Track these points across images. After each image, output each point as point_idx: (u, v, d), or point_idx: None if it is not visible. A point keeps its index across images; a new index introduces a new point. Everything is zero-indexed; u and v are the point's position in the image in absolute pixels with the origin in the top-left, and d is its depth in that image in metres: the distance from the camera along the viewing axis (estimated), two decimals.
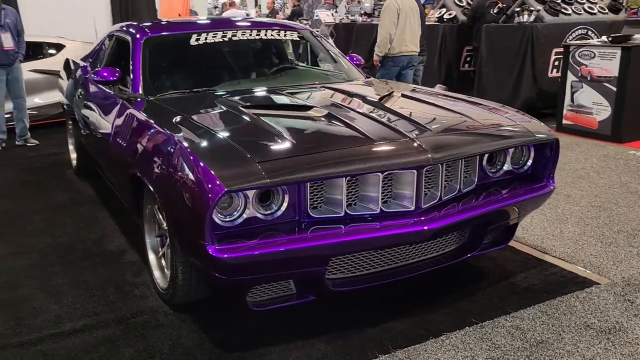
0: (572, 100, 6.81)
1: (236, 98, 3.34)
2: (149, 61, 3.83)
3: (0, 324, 2.89)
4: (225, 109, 3.12)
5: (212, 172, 2.31)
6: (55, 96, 6.91)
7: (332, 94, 3.48)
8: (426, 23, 9.33)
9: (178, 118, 2.99)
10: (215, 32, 4.02)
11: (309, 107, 3.08)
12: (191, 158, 2.46)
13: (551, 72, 7.64)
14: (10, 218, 4.44)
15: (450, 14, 8.89)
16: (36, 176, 5.63)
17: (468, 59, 9.00)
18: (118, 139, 3.39)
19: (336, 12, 11.95)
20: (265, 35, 4.19)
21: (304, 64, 4.78)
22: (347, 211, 2.56)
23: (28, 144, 6.90)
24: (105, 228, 4.16)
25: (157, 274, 3.12)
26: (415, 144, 2.61)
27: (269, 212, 2.48)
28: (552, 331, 2.73)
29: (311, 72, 4.35)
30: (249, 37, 4.12)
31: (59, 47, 8.02)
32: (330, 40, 11.59)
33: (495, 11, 8.07)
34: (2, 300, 3.14)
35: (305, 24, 11.74)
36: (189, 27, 4.18)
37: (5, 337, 2.77)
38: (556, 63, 7.56)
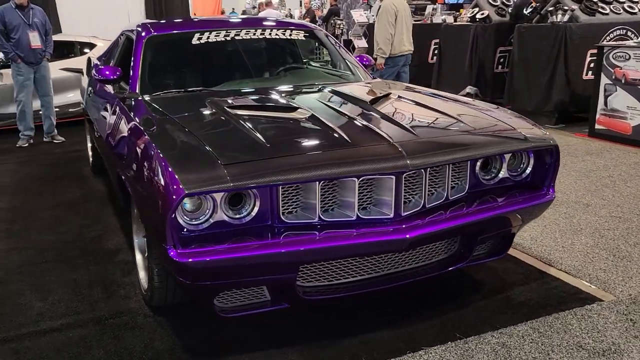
0: (605, 104, 6.49)
1: (227, 98, 3.28)
2: (149, 60, 3.82)
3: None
4: (210, 109, 3.06)
5: (175, 175, 2.25)
6: None
7: (326, 95, 3.38)
8: (457, 23, 9.15)
9: (160, 118, 2.96)
10: (218, 31, 3.98)
11: (294, 109, 2.99)
12: (158, 160, 2.40)
13: (586, 75, 7.31)
14: (21, 213, 4.53)
15: (482, 14, 8.63)
16: (56, 172, 5.74)
17: (502, 60, 8.71)
18: (109, 138, 3.39)
19: (369, 12, 11.79)
20: (270, 34, 4.13)
21: (317, 64, 4.68)
22: (322, 217, 2.46)
23: (55, 141, 7.06)
24: (107, 226, 4.18)
25: (142, 274, 3.09)
26: (394, 149, 2.49)
27: (239, 216, 2.41)
28: (540, 350, 2.56)
29: (315, 73, 4.25)
30: (253, 37, 4.06)
31: (91, 46, 8.18)
32: (363, 40, 11.47)
33: (528, 11, 7.78)
34: None
35: (339, 24, 11.67)
36: (194, 26, 4.15)
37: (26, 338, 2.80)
38: (591, 65, 7.23)
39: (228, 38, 3.97)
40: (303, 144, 2.61)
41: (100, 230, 4.10)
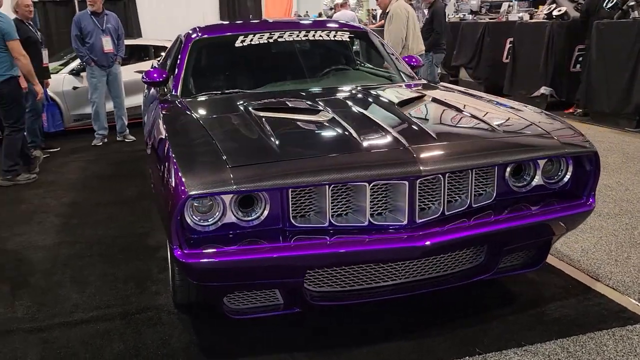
0: None
1: (258, 100, 3.30)
2: (193, 63, 3.91)
3: (25, 308, 3.09)
4: (238, 111, 3.08)
5: (181, 177, 2.28)
6: None
7: (357, 97, 3.32)
8: (532, 20, 8.74)
9: (187, 120, 3.02)
10: (263, 33, 4.01)
11: (317, 111, 2.95)
12: (170, 161, 2.45)
13: None
14: (80, 209, 4.77)
15: (560, 10, 8.18)
16: (120, 170, 6.01)
17: (580, 59, 8.23)
18: (147, 139, 3.50)
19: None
20: (314, 36, 4.11)
21: (363, 66, 4.60)
22: (333, 222, 2.41)
23: (126, 140, 7.40)
24: (155, 223, 4.31)
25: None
26: (407, 154, 2.40)
27: (248, 218, 2.41)
28: None
29: (358, 74, 4.17)
30: (296, 39, 4.06)
31: (164, 49, 8.50)
32: None
33: (608, 6, 7.30)
34: (37, 285, 3.36)
35: None
36: (241, 28, 4.20)
37: (21, 321, 2.96)
38: None
39: (271, 40, 3.99)
40: (315, 147, 2.58)
41: (148, 227, 4.25)
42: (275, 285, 2.45)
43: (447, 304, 2.94)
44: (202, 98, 3.57)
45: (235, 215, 2.39)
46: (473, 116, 2.88)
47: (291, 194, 2.38)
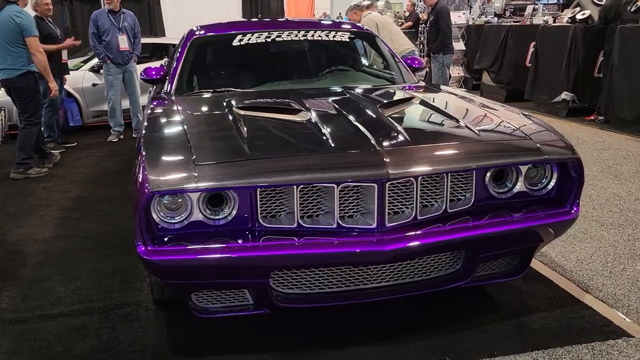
0: None
1: (246, 99, 3.29)
2: (190, 61, 3.93)
3: (9, 299, 3.14)
4: (222, 110, 3.08)
5: (147, 174, 2.29)
6: None
7: (343, 98, 3.28)
8: (555, 24, 8.55)
9: (169, 117, 3.03)
10: (261, 33, 4.01)
11: (297, 111, 2.92)
12: (141, 158, 2.46)
13: None
14: (84, 203, 4.84)
15: (584, 14, 7.98)
16: (132, 166, 6.06)
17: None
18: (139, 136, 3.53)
19: (470, 12, 11.35)
20: (312, 36, 4.09)
21: (369, 66, 4.55)
22: (301, 223, 2.39)
23: None
24: None
25: None
26: (377, 157, 2.36)
27: (216, 217, 2.40)
28: None
29: (355, 75, 4.11)
30: (294, 39, 4.04)
31: None
32: (461, 43, 11.08)
33: (632, 10, 7.08)
34: (26, 277, 3.42)
35: None
36: (240, 27, 4.20)
37: (4, 312, 3.01)
38: None
39: (269, 40, 3.98)
40: (286, 147, 2.55)
41: None
42: (240, 285, 2.43)
43: (425, 310, 2.89)
44: (193, 96, 3.59)
45: (203, 214, 2.38)
46: (456, 120, 2.82)
47: (259, 194, 2.36)
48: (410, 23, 14.82)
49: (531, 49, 9.32)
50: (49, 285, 3.30)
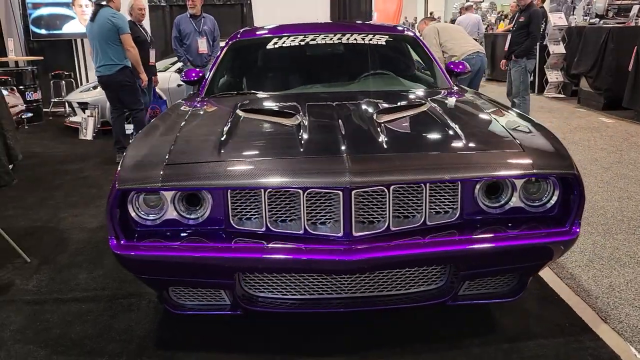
0: None
1: (259, 101, 3.34)
2: (226, 63, 4.04)
3: (37, 281, 3.40)
4: (227, 111, 3.14)
5: (119, 171, 2.39)
6: None
7: (349, 103, 3.21)
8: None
9: (175, 116, 3.13)
10: (297, 36, 4.03)
11: (291, 115, 2.90)
12: (125, 155, 2.58)
13: None
14: None
15: None
16: None
17: None
18: None
19: (573, 14, 10.62)
20: (348, 40, 4.05)
21: (409, 70, 4.39)
22: (270, 227, 2.38)
23: None
24: None
25: None
26: (342, 164, 2.29)
27: (190, 216, 2.46)
28: None
29: (386, 80, 3.98)
30: (328, 42, 4.02)
31: None
32: (561, 45, 10.43)
33: None
34: (60, 262, 3.68)
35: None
36: (280, 31, 4.24)
37: (28, 293, 3.27)
38: None
39: (303, 43, 3.99)
40: (260, 150, 2.55)
41: None
42: (206, 284, 2.46)
43: (406, 327, 2.76)
44: (218, 97, 3.68)
45: (178, 212, 2.45)
46: (450, 129, 2.66)
47: (230, 196, 2.38)
48: (510, 26, 14.19)
49: (634, 53, 8.57)
50: (75, 272, 3.53)
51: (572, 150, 6.30)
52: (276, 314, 2.62)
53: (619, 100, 8.51)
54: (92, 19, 6.00)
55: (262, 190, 2.32)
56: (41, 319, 2.97)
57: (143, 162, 2.49)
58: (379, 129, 2.64)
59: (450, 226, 2.43)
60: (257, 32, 4.33)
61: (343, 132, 2.59)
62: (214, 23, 7.47)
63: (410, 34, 4.30)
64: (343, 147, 2.40)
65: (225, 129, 2.74)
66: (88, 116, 8.00)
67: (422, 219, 2.39)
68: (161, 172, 2.33)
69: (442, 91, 3.67)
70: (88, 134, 7.96)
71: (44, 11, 10.32)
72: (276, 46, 3.98)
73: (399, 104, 3.18)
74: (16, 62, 9.79)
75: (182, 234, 2.44)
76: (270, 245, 2.33)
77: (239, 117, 2.93)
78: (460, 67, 4.22)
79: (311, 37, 4.02)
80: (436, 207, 2.42)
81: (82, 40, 10.43)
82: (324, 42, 4.02)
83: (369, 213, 2.35)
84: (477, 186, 2.43)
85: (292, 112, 2.93)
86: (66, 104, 8.81)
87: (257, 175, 2.31)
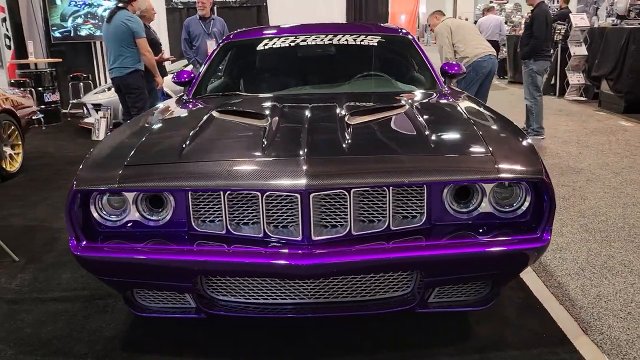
0: None
1: (238, 102, 3.31)
2: (215, 65, 4.03)
3: (21, 280, 3.42)
4: (203, 113, 3.11)
5: (78, 172, 2.39)
6: None
7: (325, 105, 3.16)
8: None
9: (152, 117, 3.12)
10: (287, 37, 4.00)
11: (263, 116, 2.86)
12: (88, 155, 2.57)
13: None
14: None
15: None
16: None
17: None
18: None
19: (596, 14, 10.35)
20: (339, 41, 3.99)
21: (401, 71, 4.29)
22: (230, 230, 2.34)
23: None
24: None
25: None
26: (299, 166, 2.24)
27: (152, 218, 2.43)
28: None
29: (375, 81, 3.91)
30: (318, 43, 3.97)
31: None
32: (583, 47, 10.18)
33: None
34: (46, 261, 3.69)
35: (560, 29, 10.54)
36: (272, 32, 4.21)
37: (9, 292, 3.29)
38: None
39: (292, 44, 3.95)
40: (220, 152, 2.53)
41: None
42: (164, 287, 2.43)
43: (384, 333, 2.69)
44: (203, 99, 3.66)
45: (140, 214, 2.43)
46: (422, 133, 2.58)
47: (191, 198, 2.35)
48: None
49: None
50: (60, 272, 3.55)
51: (583, 155, 6.16)
52: (240, 318, 2.57)
53: None
54: (109, 20, 6.05)
55: (222, 192, 2.29)
56: (16, 318, 2.98)
57: (104, 162, 2.48)
58: (347, 132, 2.58)
59: (417, 231, 2.36)
60: (249, 34, 4.31)
61: (309, 135, 2.54)
62: (224, 25, 7.48)
63: (405, 34, 4.21)
64: (303, 150, 2.35)
65: (194, 130, 2.71)
66: (100, 117, 8.10)
67: (387, 224, 2.32)
68: (119, 173, 2.31)
69: (431, 93, 3.58)
70: (100, 135, 8.05)
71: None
72: (266, 47, 3.95)
73: (376, 106, 3.10)
74: (35, 64, 9.97)
75: (145, 236, 2.42)
76: (229, 248, 2.29)
77: (212, 119, 2.90)
78: (455, 68, 4.13)
79: (302, 38, 3.98)
80: (402, 212, 2.35)
81: (100, 43, 10.58)
82: (314, 43, 3.97)
83: (331, 217, 2.30)
84: (445, 191, 2.36)
85: (263, 113, 2.89)
86: (83, 105, 8.95)
87: (216, 177, 2.28)
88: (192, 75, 4.13)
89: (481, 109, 3.09)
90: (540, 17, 6.89)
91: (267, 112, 2.94)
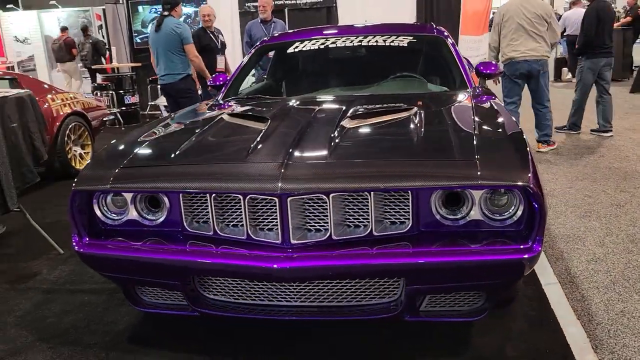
0: None
1: (252, 104, 3.37)
2: (248, 68, 4.12)
3: (60, 272, 3.67)
4: (216, 115, 3.20)
5: (82, 170, 2.54)
6: None
7: (332, 108, 3.16)
8: None
9: (168, 120, 3.25)
10: (317, 40, 4.02)
11: (265, 119, 2.89)
12: (93, 155, 2.72)
13: None
14: None
15: None
16: None
17: None
18: None
19: None
20: (368, 42, 3.95)
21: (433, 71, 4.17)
22: (218, 231, 2.41)
23: None
24: None
25: None
26: (276, 170, 2.26)
27: (149, 218, 2.54)
28: None
29: (406, 82, 3.82)
30: (348, 45, 3.96)
31: None
32: None
33: None
34: None
35: None
36: (304, 35, 4.23)
37: (47, 282, 3.53)
38: None
39: (322, 47, 3.97)
40: (212, 154, 2.60)
41: None
42: (157, 284, 2.53)
43: (377, 340, 2.65)
44: (231, 102, 3.75)
45: (140, 213, 2.55)
46: (415, 138, 2.52)
47: (183, 200, 2.43)
48: (628, 18, 13.05)
49: None
50: None
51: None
52: (232, 318, 2.62)
53: None
54: (157, 29, 6.28)
55: (209, 194, 2.35)
56: (44, 307, 3.21)
57: (103, 163, 2.61)
58: (339, 135, 2.57)
59: (403, 237, 2.31)
60: (283, 37, 4.37)
61: (299, 138, 2.55)
62: (284, 27, 7.60)
63: (438, 33, 4.10)
64: (286, 154, 2.37)
65: (196, 133, 2.80)
66: None
67: (369, 229, 2.29)
68: (114, 174, 2.43)
69: (455, 95, 3.47)
70: None
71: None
72: (295, 51, 3.99)
73: (381, 109, 3.05)
74: (118, 69, 10.60)
75: (143, 235, 2.53)
76: (213, 249, 2.35)
77: (220, 122, 2.98)
78: (492, 68, 3.98)
79: (332, 40, 3.98)
80: (389, 217, 2.31)
81: None
82: (344, 45, 3.96)
83: (315, 221, 2.31)
84: (433, 197, 2.30)
85: (265, 117, 2.93)
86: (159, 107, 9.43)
87: (202, 179, 2.35)
88: (225, 79, 4.25)
89: (494, 115, 2.96)
90: (591, 13, 6.61)
91: (273, 115, 2.98)
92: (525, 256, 2.18)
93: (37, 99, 5.68)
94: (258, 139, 2.60)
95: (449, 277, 2.28)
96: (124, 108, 9.98)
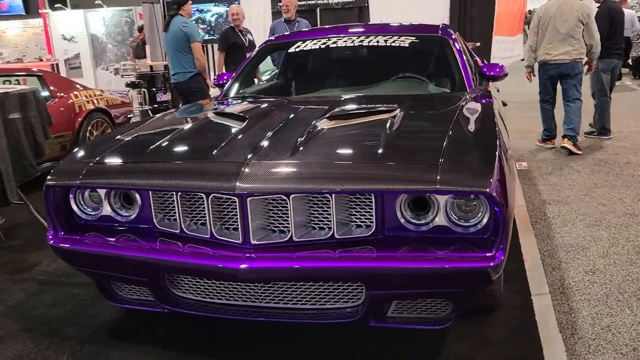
0: None
1: (245, 104, 3.37)
2: (249, 68, 4.13)
3: (60, 265, 3.75)
4: (205, 113, 3.21)
5: (57, 166, 2.59)
6: None
7: (314, 108, 3.12)
8: None
9: (160, 118, 3.29)
10: (319, 40, 3.99)
11: (243, 119, 2.88)
12: (72, 151, 2.78)
13: None
14: None
15: None
16: None
17: None
18: None
19: None
20: (369, 42, 3.90)
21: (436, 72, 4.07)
22: (184, 229, 2.42)
23: None
24: None
25: None
26: (236, 169, 2.25)
27: (122, 214, 2.58)
28: None
29: (406, 83, 3.75)
30: (349, 45, 3.91)
31: None
32: None
33: None
34: None
35: None
36: (304, 35, 4.21)
37: (45, 274, 3.63)
38: None
39: (322, 47, 3.94)
40: (181, 152, 2.61)
41: None
42: (131, 281, 2.56)
43: (348, 347, 2.61)
44: (226, 100, 3.77)
45: (112, 209, 2.59)
46: (385, 141, 2.46)
47: (152, 197, 2.46)
48: None
49: None
50: None
51: None
52: (200, 316, 2.63)
53: None
54: (165, 29, 6.34)
55: (175, 192, 2.37)
56: (36, 298, 3.30)
57: (78, 159, 2.66)
58: (309, 136, 2.54)
59: (367, 241, 2.27)
60: (286, 37, 4.36)
61: (269, 138, 2.54)
62: (308, 26, 7.58)
63: (443, 34, 4.01)
64: (250, 153, 2.36)
65: (177, 130, 2.83)
66: None
67: (331, 232, 2.26)
68: (84, 171, 2.47)
69: (449, 96, 3.39)
70: None
71: None
72: (297, 50, 3.98)
73: (361, 110, 3.00)
74: (151, 67, 10.80)
75: (117, 231, 2.56)
76: (182, 247, 2.36)
77: (202, 120, 3.00)
78: (496, 70, 3.86)
79: (334, 40, 3.95)
80: (354, 220, 2.28)
81: (212, 46, 11.22)
82: (345, 45, 3.92)
83: (278, 222, 2.29)
84: (398, 201, 2.25)
85: (245, 116, 2.92)
86: None
87: (167, 176, 2.37)
88: (229, 78, 4.26)
89: (476, 119, 2.86)
90: (602, 15, 6.46)
91: (255, 114, 2.97)
92: (487, 265, 2.11)
93: (62, 95, 5.91)
94: (229, 138, 2.60)
95: (411, 283, 2.23)
96: (155, 105, 10.15)
